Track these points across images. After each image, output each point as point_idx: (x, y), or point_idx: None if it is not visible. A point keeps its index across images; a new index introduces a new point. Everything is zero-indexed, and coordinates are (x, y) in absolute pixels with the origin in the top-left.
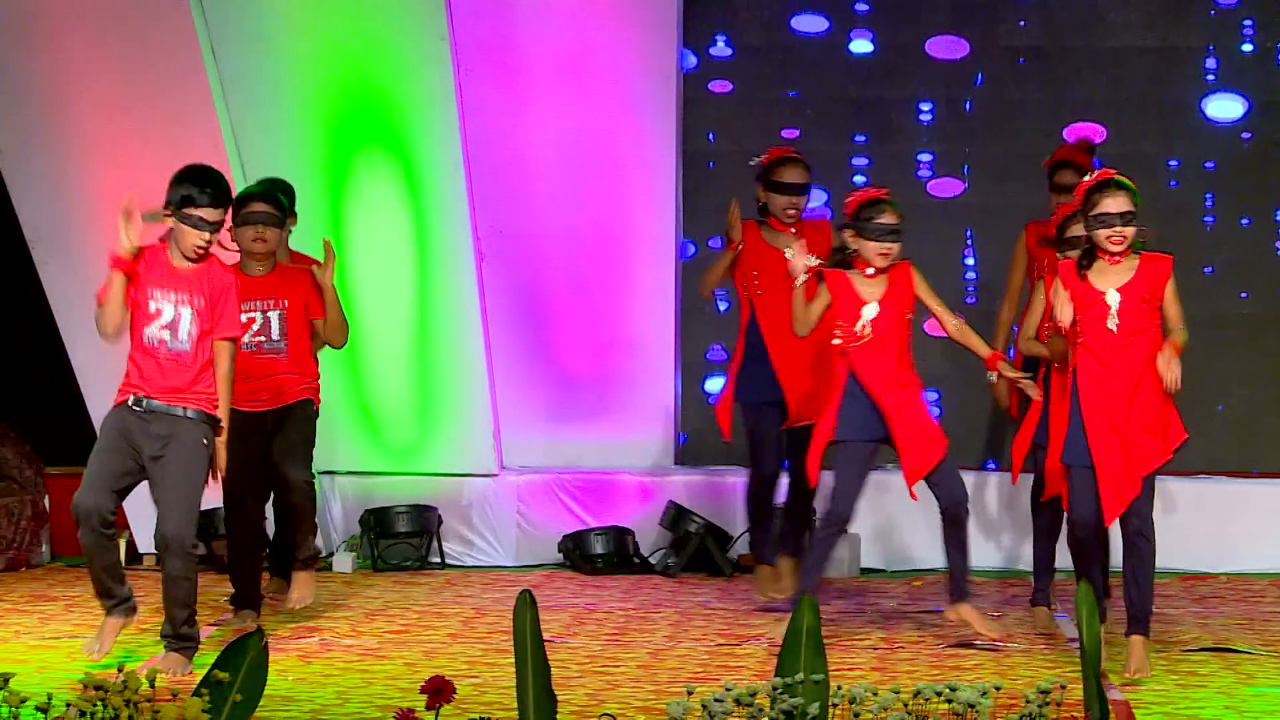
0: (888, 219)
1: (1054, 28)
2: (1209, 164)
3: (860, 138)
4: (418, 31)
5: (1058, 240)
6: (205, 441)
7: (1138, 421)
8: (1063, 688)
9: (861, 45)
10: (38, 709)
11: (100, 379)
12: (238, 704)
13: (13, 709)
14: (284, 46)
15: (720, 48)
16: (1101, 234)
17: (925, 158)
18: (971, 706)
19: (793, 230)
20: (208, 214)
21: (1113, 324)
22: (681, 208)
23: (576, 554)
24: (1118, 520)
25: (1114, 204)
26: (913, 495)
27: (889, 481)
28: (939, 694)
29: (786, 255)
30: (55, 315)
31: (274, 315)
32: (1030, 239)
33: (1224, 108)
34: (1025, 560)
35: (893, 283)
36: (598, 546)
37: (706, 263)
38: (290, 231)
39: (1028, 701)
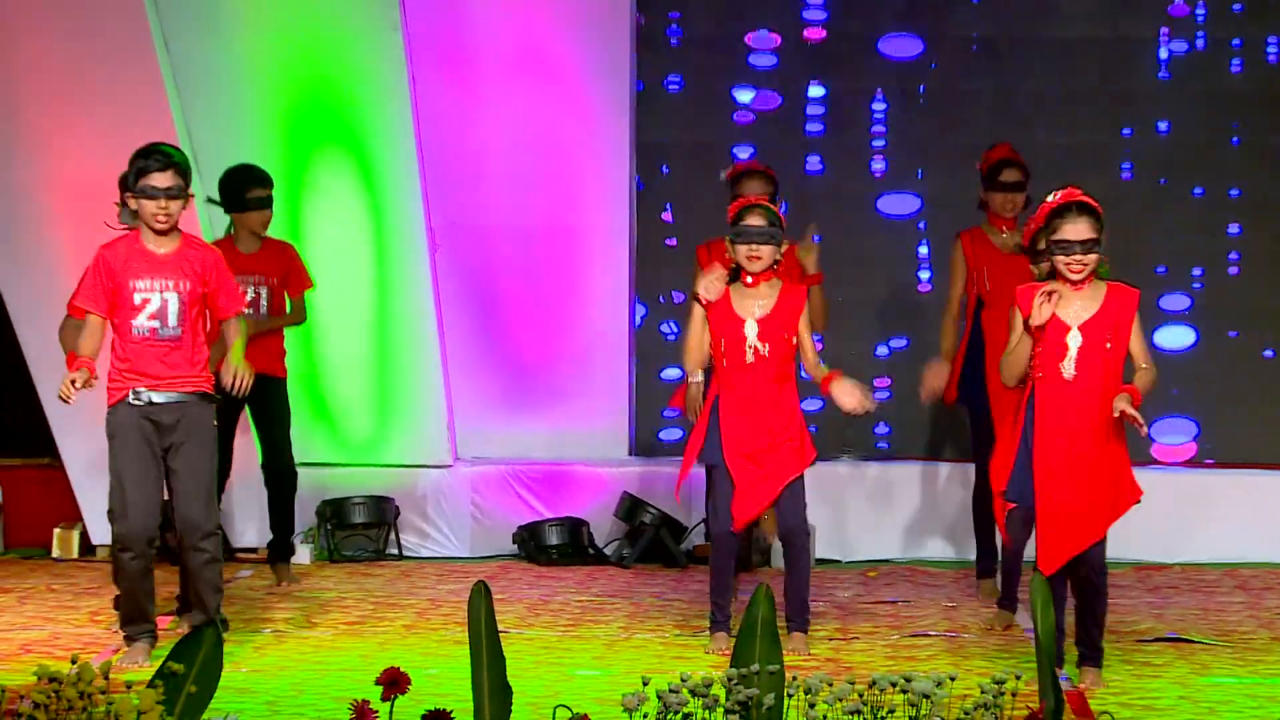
0: (755, 220)
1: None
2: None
3: (813, 130)
4: (370, 24)
5: (1030, 251)
6: (215, 422)
7: (1088, 478)
8: (1018, 678)
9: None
10: None
11: (53, 370)
12: (192, 695)
13: None
14: (237, 39)
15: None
16: (1060, 260)
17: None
18: (926, 697)
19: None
20: (158, 179)
21: (1069, 370)
22: (636, 197)
23: (531, 545)
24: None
25: (1075, 230)
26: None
27: (845, 473)
28: (894, 684)
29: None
30: (7, 307)
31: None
32: (966, 249)
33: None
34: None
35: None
36: (552, 537)
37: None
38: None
39: (983, 692)
